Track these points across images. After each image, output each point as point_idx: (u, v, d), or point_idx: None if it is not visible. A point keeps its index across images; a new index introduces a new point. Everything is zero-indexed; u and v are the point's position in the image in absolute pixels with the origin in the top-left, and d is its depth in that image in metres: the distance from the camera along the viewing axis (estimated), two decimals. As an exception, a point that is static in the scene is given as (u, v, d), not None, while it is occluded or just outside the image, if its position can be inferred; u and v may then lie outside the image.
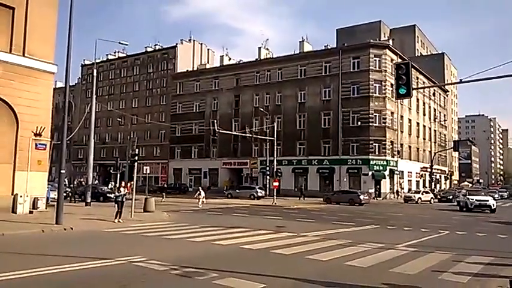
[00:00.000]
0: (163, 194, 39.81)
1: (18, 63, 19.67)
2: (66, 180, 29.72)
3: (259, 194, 42.29)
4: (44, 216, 17.87)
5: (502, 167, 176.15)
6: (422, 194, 43.80)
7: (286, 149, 50.63)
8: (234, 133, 49.58)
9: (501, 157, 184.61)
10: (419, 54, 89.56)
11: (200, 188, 34.12)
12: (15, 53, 19.67)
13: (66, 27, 16.61)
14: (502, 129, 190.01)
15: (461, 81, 14.78)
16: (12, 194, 19.45)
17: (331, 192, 42.40)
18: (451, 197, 45.62)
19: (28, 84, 19.96)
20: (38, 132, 20.31)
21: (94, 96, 29.84)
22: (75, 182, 44.87)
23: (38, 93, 20.38)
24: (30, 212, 19.46)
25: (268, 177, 45.72)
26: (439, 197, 47.78)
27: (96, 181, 51.09)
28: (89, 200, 26.53)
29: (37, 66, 20.38)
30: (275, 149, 43.13)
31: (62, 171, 16.52)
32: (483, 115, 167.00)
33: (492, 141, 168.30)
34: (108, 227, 16.34)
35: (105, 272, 8.52)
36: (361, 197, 37.17)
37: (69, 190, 31.71)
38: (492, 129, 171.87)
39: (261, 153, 50.35)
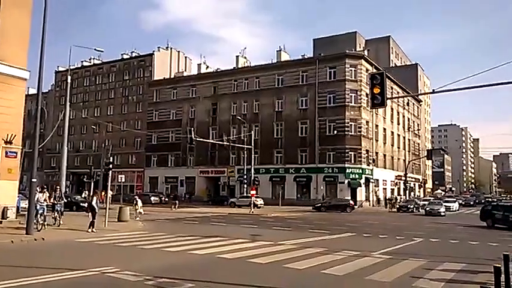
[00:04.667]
0: (176, 202, 37.75)
1: (-11, 69, 19.11)
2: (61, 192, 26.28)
3: None
4: (13, 226, 17.31)
5: (473, 175, 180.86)
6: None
7: (264, 158, 50.63)
8: (212, 141, 49.37)
9: (472, 165, 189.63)
10: (393, 65, 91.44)
11: (136, 196, 28.59)
12: (-15, 59, 19.11)
13: (40, 32, 16.24)
14: (473, 139, 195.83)
15: (433, 92, 15.10)
16: (-20, 204, 18.78)
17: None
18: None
19: (-1, 90, 19.39)
20: (8, 140, 19.67)
21: (68, 104, 29.38)
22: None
23: (9, 100, 19.77)
24: (-1, 222, 18.80)
25: (245, 185, 45.71)
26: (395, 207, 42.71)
27: (67, 189, 49.53)
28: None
29: (9, 72, 19.78)
30: (252, 157, 43.15)
31: (34, 180, 16.08)
32: (455, 125, 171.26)
33: (464, 150, 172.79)
34: (81, 237, 15.93)
35: (76, 283, 8.28)
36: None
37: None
38: (464, 138, 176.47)
39: (239, 162, 50.25)
